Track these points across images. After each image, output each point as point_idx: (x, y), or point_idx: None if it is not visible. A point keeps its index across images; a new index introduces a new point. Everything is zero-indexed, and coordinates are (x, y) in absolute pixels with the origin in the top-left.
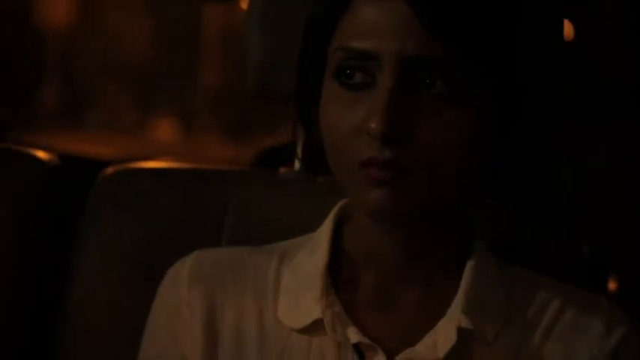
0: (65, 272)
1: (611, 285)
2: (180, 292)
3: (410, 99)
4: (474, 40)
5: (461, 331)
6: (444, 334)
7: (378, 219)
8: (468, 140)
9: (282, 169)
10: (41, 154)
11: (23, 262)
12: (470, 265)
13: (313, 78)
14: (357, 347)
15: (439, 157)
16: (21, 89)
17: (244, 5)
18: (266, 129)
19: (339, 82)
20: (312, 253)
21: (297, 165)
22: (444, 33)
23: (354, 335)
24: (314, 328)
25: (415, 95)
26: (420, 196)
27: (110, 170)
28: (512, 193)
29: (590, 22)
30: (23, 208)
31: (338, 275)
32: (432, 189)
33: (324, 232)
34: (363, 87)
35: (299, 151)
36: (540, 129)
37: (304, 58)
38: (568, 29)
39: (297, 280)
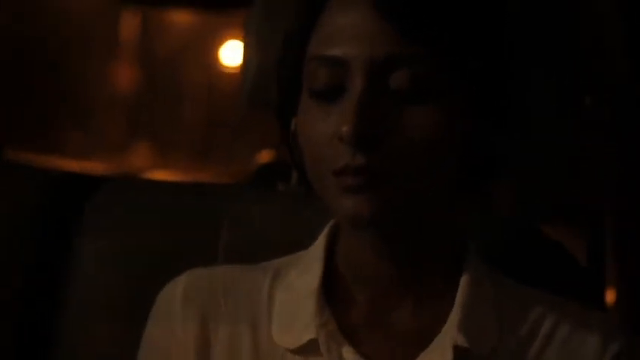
0: (61, 286)
1: (609, 297)
2: (174, 313)
3: (381, 102)
4: (440, 38)
5: (457, 349)
6: (439, 352)
7: (357, 226)
8: (443, 140)
9: (279, 185)
10: (37, 168)
11: (19, 276)
12: (464, 280)
13: (291, 92)
14: None
15: (414, 160)
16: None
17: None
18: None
19: (313, 94)
20: (305, 272)
21: (294, 180)
22: (409, 31)
23: (349, 355)
24: (308, 348)
25: (386, 98)
26: (397, 200)
27: (106, 184)
28: (500, 193)
29: (585, 20)
30: (18, 223)
31: (331, 293)
32: (409, 192)
33: (317, 249)
34: (335, 96)
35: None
36: (524, 125)
37: (282, 72)
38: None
39: (291, 300)
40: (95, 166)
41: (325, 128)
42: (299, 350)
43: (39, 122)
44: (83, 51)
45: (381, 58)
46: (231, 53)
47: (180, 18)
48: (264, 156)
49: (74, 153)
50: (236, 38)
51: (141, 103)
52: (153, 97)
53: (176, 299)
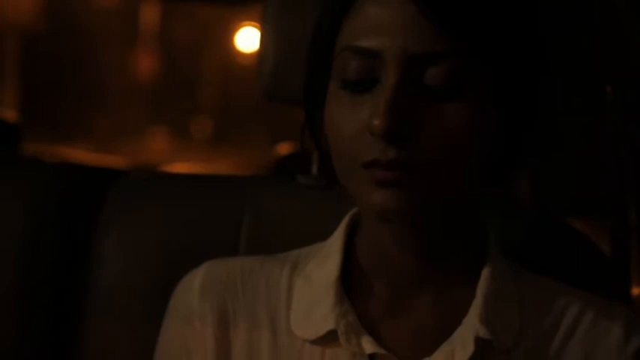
0: (82, 280)
1: (635, 291)
2: (192, 305)
3: (414, 97)
4: (478, 33)
5: (479, 340)
6: (461, 343)
7: (383, 220)
8: (474, 138)
9: (299, 176)
10: (55, 163)
11: (39, 272)
12: (486, 272)
13: (320, 82)
14: (372, 357)
15: (444, 156)
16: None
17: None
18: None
19: (343, 85)
20: (324, 263)
21: (314, 172)
22: (448, 26)
23: (368, 345)
24: (328, 338)
25: (419, 93)
26: (425, 195)
27: (125, 177)
28: (527, 190)
29: (606, 14)
30: (38, 217)
31: (351, 284)
32: (438, 188)
33: (337, 240)
34: (367, 88)
35: (315, 157)
36: (553, 125)
37: (311, 61)
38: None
39: (310, 290)
40: (116, 157)
41: (355, 120)
42: (318, 341)
43: (61, 112)
44: (105, 42)
45: (417, 52)
46: (247, 40)
47: (198, 9)
48: (284, 148)
49: (96, 141)
50: (253, 26)
51: (160, 90)
52: (172, 84)
53: (194, 292)
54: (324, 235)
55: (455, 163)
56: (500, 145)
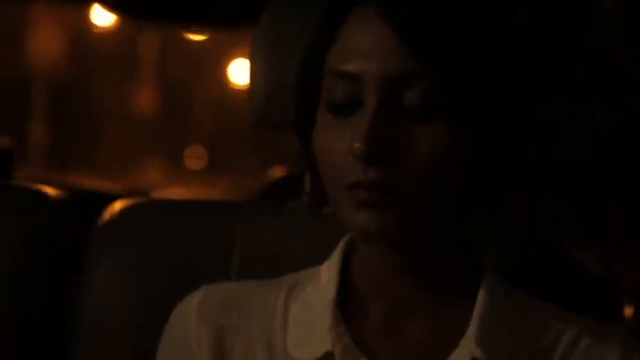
0: (72, 307)
1: (627, 311)
2: (189, 328)
3: (394, 119)
4: (453, 56)
5: None
6: None
7: (367, 240)
8: (454, 157)
9: (290, 202)
10: (47, 190)
11: (30, 298)
12: (482, 293)
13: (309, 106)
14: None
15: (425, 177)
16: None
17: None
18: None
19: (330, 108)
20: (320, 286)
21: (304, 197)
22: (419, 49)
23: None
24: None
25: (399, 115)
26: (407, 215)
27: (116, 204)
28: (514, 212)
29: (591, 27)
30: (30, 245)
31: (347, 307)
32: (419, 209)
33: (333, 263)
34: (352, 112)
35: (306, 182)
36: (537, 142)
37: (300, 86)
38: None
39: (306, 313)
40: (110, 183)
41: (340, 143)
42: None
43: (59, 141)
44: (104, 72)
45: (393, 75)
46: (240, 71)
47: (192, 44)
48: (277, 171)
49: (91, 169)
50: (244, 57)
51: (155, 120)
52: (167, 114)
53: (191, 315)
54: (315, 260)
55: (434, 183)
56: (479, 167)
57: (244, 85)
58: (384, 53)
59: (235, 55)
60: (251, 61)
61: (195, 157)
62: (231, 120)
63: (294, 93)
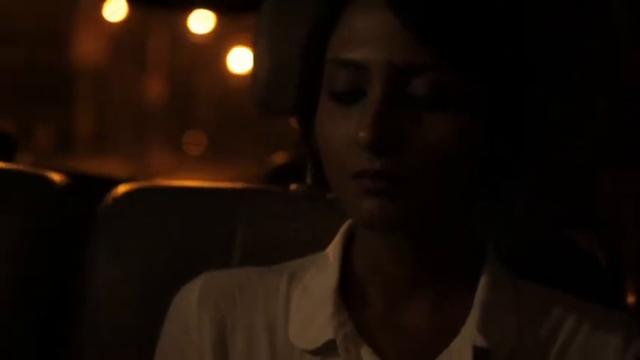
0: (76, 292)
1: (630, 298)
2: (190, 316)
3: (399, 108)
4: (461, 44)
5: (476, 350)
6: (458, 352)
7: (372, 229)
8: (461, 147)
9: (293, 186)
10: (50, 175)
11: (34, 282)
12: (483, 280)
13: (312, 93)
14: None
15: (429, 166)
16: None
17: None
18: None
19: (332, 96)
20: (321, 273)
21: (308, 181)
22: (430, 38)
23: (367, 355)
24: (326, 349)
25: (405, 104)
26: (413, 204)
27: (120, 189)
28: (519, 200)
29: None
30: (33, 229)
31: (348, 294)
32: (425, 197)
33: (334, 250)
34: (354, 100)
35: (310, 167)
36: (542, 133)
37: (302, 73)
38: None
39: (308, 301)
40: (115, 169)
41: (344, 131)
42: (317, 351)
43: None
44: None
45: (401, 64)
46: (240, 60)
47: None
48: (280, 157)
49: (97, 155)
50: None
51: (161, 109)
52: (171, 103)
53: (192, 303)
54: (317, 245)
55: (440, 173)
56: (487, 156)
57: (244, 73)
58: (391, 41)
59: (235, 44)
60: (254, 46)
61: (199, 145)
62: (232, 108)
63: (296, 79)
